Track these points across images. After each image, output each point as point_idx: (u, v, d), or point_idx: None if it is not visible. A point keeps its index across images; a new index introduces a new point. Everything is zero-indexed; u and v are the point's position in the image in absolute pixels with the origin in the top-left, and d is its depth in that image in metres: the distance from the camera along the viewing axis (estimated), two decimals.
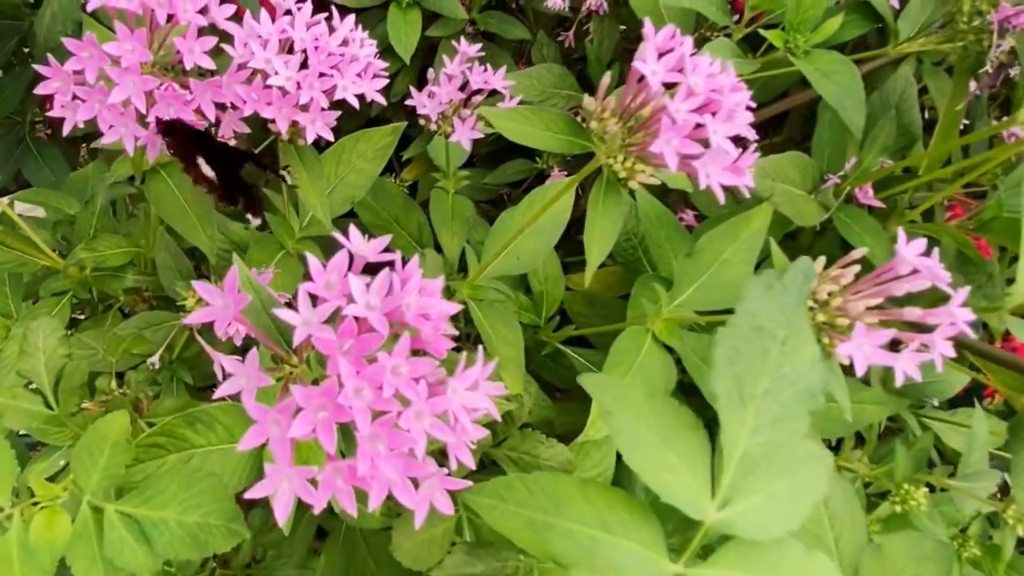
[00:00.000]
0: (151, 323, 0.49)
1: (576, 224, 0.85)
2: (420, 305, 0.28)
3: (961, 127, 0.71)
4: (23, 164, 0.75)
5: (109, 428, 0.34)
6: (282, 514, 0.26)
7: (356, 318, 0.26)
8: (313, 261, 0.27)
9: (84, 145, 0.84)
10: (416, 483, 0.27)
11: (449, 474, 0.28)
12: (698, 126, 0.34)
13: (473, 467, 0.28)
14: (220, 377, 0.45)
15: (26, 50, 0.73)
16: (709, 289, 0.50)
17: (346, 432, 0.27)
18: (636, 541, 0.28)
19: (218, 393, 0.26)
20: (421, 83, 0.78)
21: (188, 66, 0.38)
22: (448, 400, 0.27)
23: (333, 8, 0.42)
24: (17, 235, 0.53)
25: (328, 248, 0.43)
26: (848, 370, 0.38)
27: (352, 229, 0.29)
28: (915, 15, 0.56)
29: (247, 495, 0.25)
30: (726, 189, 0.37)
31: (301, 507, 0.56)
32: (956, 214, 0.72)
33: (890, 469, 0.55)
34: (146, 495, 0.34)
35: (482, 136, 0.53)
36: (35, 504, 0.34)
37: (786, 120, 0.77)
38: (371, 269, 0.28)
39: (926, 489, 0.53)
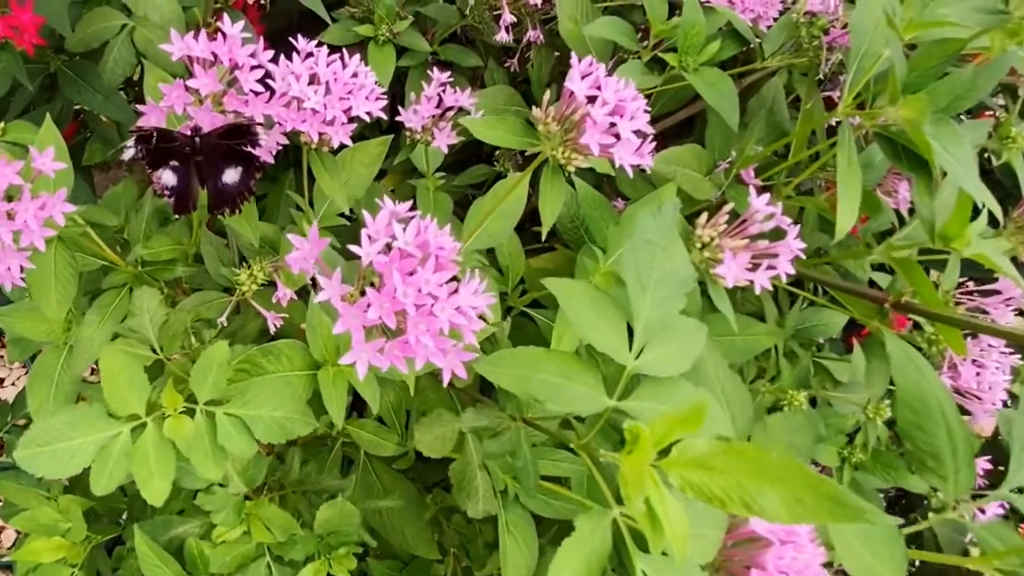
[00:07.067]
0: (205, 301, 0.63)
1: (529, 219, 1.01)
2: (438, 241, 0.43)
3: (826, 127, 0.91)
4: None
5: (215, 353, 0.48)
6: (362, 372, 0.41)
7: (399, 250, 0.41)
8: (367, 215, 0.42)
9: (96, 170, 0.96)
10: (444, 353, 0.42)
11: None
12: (611, 124, 0.51)
13: (477, 345, 0.43)
14: (272, 331, 0.60)
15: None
16: None
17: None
18: (585, 385, 0.44)
19: (316, 299, 0.40)
20: (393, 106, 0.93)
21: (245, 89, 0.53)
22: (461, 298, 0.42)
23: (344, 50, 0.57)
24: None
25: (340, 235, 0.58)
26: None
27: (386, 198, 0.44)
28: (775, 38, 0.74)
29: (341, 361, 0.40)
30: (639, 170, 0.53)
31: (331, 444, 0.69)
32: (830, 190, 0.91)
33: (780, 385, 0.73)
34: (244, 399, 0.49)
35: (456, 143, 0.69)
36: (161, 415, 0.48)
37: (695, 122, 0.95)
38: None
39: (807, 393, 0.70)
